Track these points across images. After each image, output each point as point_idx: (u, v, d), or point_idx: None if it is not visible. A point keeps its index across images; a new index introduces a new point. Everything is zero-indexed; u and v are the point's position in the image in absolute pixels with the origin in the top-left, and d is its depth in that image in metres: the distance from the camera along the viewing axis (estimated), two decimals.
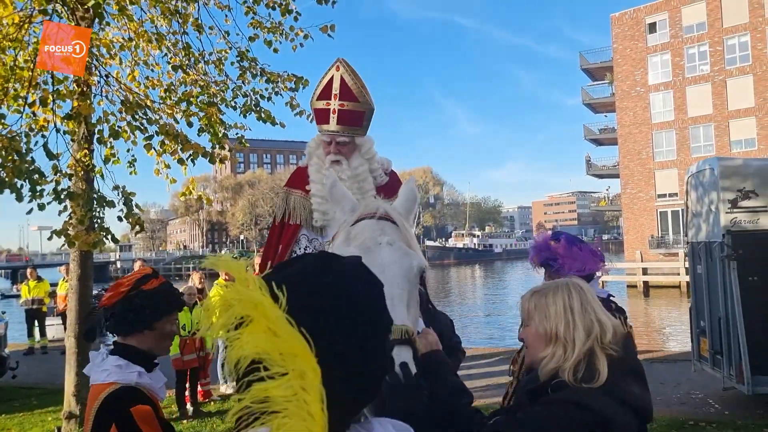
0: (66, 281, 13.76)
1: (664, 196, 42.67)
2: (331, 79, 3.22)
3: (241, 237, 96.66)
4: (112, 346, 2.41)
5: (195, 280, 10.41)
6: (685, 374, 9.20)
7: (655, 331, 21.54)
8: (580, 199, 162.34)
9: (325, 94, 3.23)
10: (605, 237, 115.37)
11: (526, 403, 1.88)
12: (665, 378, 9.19)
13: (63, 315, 13.89)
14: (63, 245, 6.19)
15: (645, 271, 37.07)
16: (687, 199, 8.20)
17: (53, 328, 14.75)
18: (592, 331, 1.79)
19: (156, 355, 2.48)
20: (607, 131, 50.55)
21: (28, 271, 15.15)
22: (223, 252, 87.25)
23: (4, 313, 11.02)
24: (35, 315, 14.29)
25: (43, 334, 14.35)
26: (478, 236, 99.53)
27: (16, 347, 13.65)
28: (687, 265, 9.40)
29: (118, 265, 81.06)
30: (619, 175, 46.68)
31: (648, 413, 1.81)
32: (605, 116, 51.58)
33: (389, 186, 3.34)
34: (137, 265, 11.04)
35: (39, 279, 14.68)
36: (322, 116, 3.27)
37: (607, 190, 72.19)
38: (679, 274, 33.22)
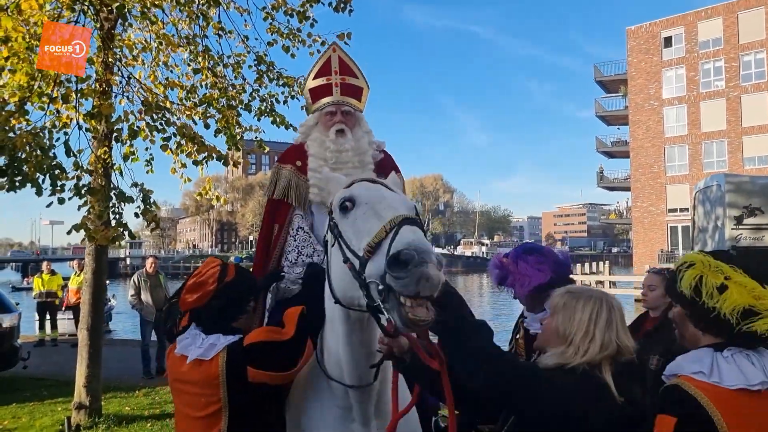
0: (78, 275, 13.99)
1: (675, 210, 42.53)
2: (329, 58, 3.33)
3: (250, 238, 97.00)
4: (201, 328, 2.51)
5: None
6: None
7: None
8: (590, 211, 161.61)
9: (325, 71, 3.32)
10: (615, 250, 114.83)
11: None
12: None
13: (73, 309, 14.10)
14: (83, 239, 6.34)
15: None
16: (694, 214, 8.29)
17: (63, 322, 14.94)
18: (607, 349, 1.89)
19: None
20: (619, 144, 50.48)
21: (44, 264, 15.41)
22: (232, 253, 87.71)
23: (18, 304, 11.22)
24: (47, 308, 14.50)
25: (54, 326, 14.56)
26: (487, 245, 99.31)
27: (26, 339, 13.86)
28: None
29: (128, 261, 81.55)
30: (630, 189, 46.57)
31: (643, 412, 1.90)
32: (618, 129, 51.53)
33: (383, 163, 3.43)
34: (149, 262, 11.21)
35: (53, 272, 14.92)
36: (322, 91, 3.33)
37: (617, 203, 71.92)
38: None
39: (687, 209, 39.17)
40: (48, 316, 14.52)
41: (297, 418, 2.62)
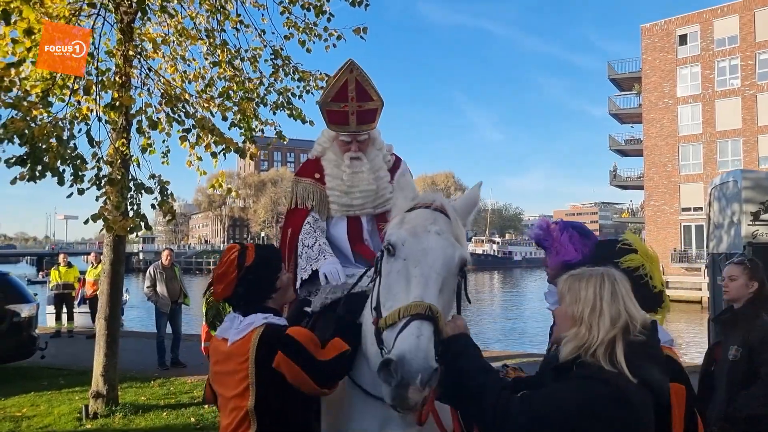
0: (95, 268, 14.16)
1: (688, 209, 42.22)
2: (346, 81, 3.37)
3: (262, 234, 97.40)
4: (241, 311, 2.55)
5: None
6: None
7: (674, 335, 21.33)
8: (602, 210, 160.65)
9: (341, 96, 3.38)
10: None
11: (550, 378, 2.01)
12: None
13: (90, 301, 14.27)
14: (100, 230, 6.43)
15: (666, 285, 36.44)
16: (709, 211, 8.26)
17: (79, 316, 15.12)
18: (618, 321, 1.89)
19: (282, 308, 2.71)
20: (632, 142, 50.14)
21: (60, 256, 15.59)
22: None
23: (36, 294, 11.37)
24: (64, 299, 14.68)
25: (70, 318, 14.74)
26: (498, 243, 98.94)
27: (43, 331, 14.02)
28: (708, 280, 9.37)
29: (141, 256, 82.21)
30: (644, 187, 46.28)
31: (665, 397, 1.93)
32: (632, 127, 51.20)
33: (394, 167, 3.65)
34: (165, 254, 11.32)
35: (69, 265, 15.10)
36: (338, 117, 3.43)
37: (630, 202, 71.33)
38: (700, 290, 32.87)
39: (701, 208, 38.89)
40: (65, 308, 14.69)
41: (329, 400, 2.69)
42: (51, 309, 15.06)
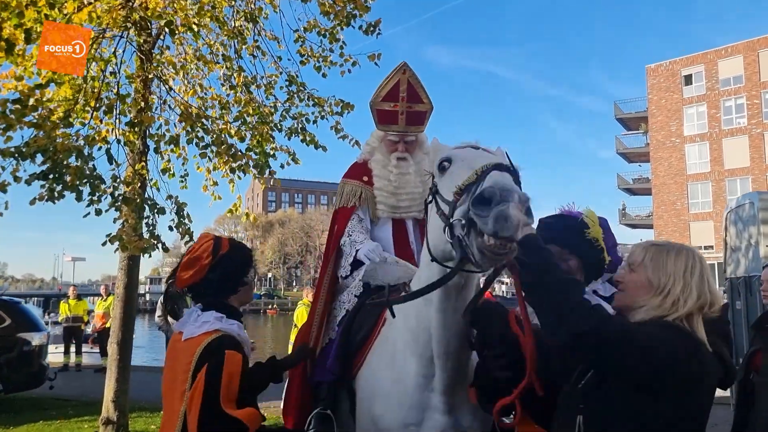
0: (104, 300, 14.14)
1: (699, 248, 41.62)
2: (398, 82, 3.43)
3: (269, 275, 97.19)
4: (201, 306, 2.49)
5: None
6: (721, 416, 8.96)
7: None
8: None
9: (392, 96, 3.44)
10: None
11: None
12: None
13: (100, 334, 14.20)
14: (115, 250, 6.43)
15: None
16: (726, 235, 8.22)
17: (88, 355, 15.02)
18: (701, 299, 1.88)
19: (242, 307, 2.65)
20: (641, 181, 50.23)
21: (70, 289, 15.60)
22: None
23: (47, 323, 11.34)
24: (73, 332, 14.60)
25: (79, 351, 14.64)
26: (508, 284, 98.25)
27: (51, 364, 13.92)
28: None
29: (147, 297, 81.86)
30: (653, 226, 46.13)
31: (732, 374, 1.92)
32: (639, 166, 51.36)
33: None
34: None
35: (79, 298, 15.07)
36: (388, 117, 3.48)
37: (641, 241, 70.98)
38: None
39: (711, 246, 38.64)
40: (73, 341, 14.60)
41: (371, 389, 2.71)
42: (55, 348, 14.54)
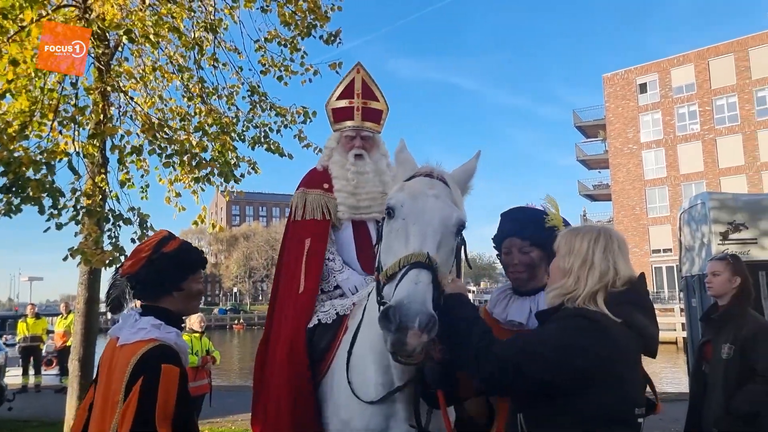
0: (65, 318, 13.79)
1: (658, 251, 42.99)
2: (353, 80, 3.49)
3: (235, 289, 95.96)
4: (140, 310, 2.36)
5: (194, 321, 10.66)
6: (683, 410, 9.19)
7: (651, 375, 21.45)
8: None
9: (347, 93, 3.49)
10: None
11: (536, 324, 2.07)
12: (663, 414, 9.17)
13: (60, 353, 13.80)
14: (78, 264, 6.33)
15: None
16: (680, 235, 8.47)
17: (47, 377, 14.59)
18: (606, 276, 1.94)
19: (183, 316, 2.49)
20: (600, 187, 51.30)
21: (28, 307, 15.16)
22: (216, 305, 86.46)
23: (5, 343, 11.00)
24: (32, 352, 14.18)
25: (38, 371, 14.21)
26: (473, 292, 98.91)
27: (9, 386, 13.48)
28: (683, 320, 9.46)
29: (109, 316, 79.79)
30: None
31: (653, 342, 1.96)
32: (599, 173, 52.49)
33: None
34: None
35: (37, 316, 14.64)
36: (344, 114, 3.50)
37: None
38: (675, 330, 33.13)
39: (669, 250, 39.67)
40: (32, 361, 14.17)
41: (335, 396, 2.80)
42: (14, 372, 14.10)
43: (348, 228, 3.49)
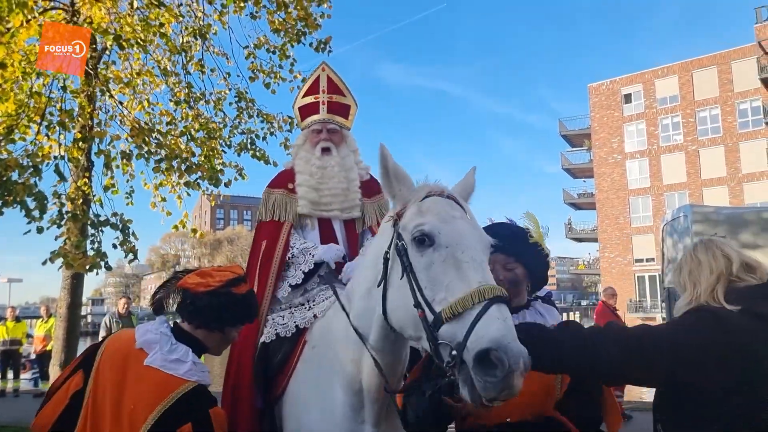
0: (45, 322, 13.62)
1: (641, 260, 43.35)
2: (318, 77, 3.45)
3: None
4: (172, 326, 2.33)
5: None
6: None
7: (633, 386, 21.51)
8: (559, 264, 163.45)
9: (313, 89, 3.44)
10: (584, 303, 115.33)
11: None
12: (635, 425, 9.25)
13: (40, 357, 13.63)
14: (59, 268, 6.28)
15: None
16: (663, 246, 8.57)
17: (25, 382, 14.40)
18: (715, 266, 2.04)
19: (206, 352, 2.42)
20: (585, 196, 51.65)
21: (8, 310, 14.96)
22: None
23: None
24: (11, 355, 13.99)
25: (16, 376, 14.02)
26: None
27: None
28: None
29: (89, 319, 78.80)
30: (598, 239, 47.50)
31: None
32: (584, 181, 52.88)
33: (369, 183, 3.45)
34: (122, 303, 10.97)
35: (17, 319, 14.46)
36: (310, 109, 3.44)
37: (589, 254, 72.89)
38: None
39: (653, 259, 39.99)
40: (11, 365, 13.98)
41: (296, 417, 2.64)
42: None
43: (315, 230, 3.36)
